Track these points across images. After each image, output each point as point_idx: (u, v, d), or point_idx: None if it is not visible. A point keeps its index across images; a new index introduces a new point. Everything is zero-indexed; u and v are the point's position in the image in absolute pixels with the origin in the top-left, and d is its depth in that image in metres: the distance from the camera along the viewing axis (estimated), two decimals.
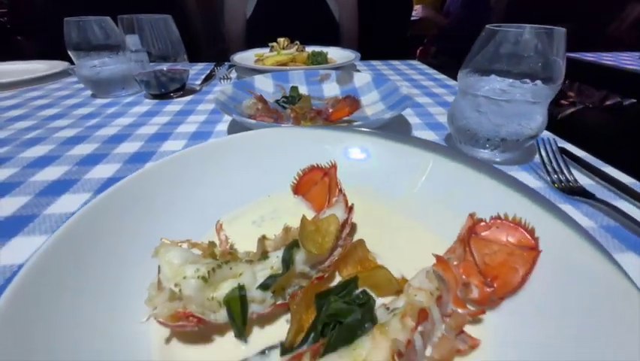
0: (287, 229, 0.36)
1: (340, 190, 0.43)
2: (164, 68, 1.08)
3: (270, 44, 1.29)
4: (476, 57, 0.65)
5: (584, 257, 0.30)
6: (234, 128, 0.81)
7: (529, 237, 0.33)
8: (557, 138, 0.77)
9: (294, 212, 0.43)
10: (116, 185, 0.39)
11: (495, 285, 0.31)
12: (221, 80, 1.25)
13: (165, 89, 1.09)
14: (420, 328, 0.25)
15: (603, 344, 0.25)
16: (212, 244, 0.34)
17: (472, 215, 0.37)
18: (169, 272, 0.29)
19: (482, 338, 0.29)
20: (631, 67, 1.36)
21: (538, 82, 0.62)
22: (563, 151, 0.68)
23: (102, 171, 0.66)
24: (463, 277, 0.32)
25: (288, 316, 0.32)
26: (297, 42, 1.28)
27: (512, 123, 0.63)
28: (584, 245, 0.30)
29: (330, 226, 0.38)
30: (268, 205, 0.48)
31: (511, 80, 0.64)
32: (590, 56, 1.52)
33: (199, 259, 0.32)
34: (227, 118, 0.89)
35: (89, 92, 1.14)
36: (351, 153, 0.51)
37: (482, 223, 0.36)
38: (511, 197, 0.38)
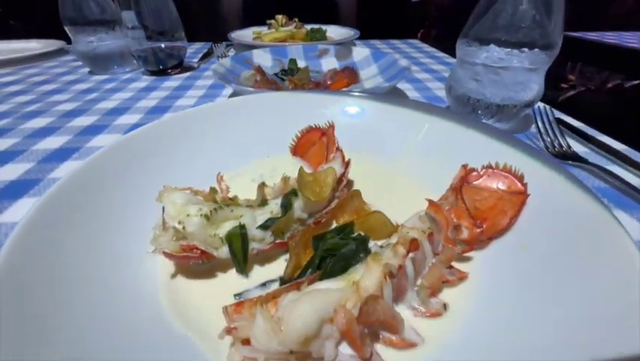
0: (285, 179, 0.38)
1: (338, 148, 0.45)
2: (162, 45, 1.08)
3: (268, 22, 1.28)
4: (474, 26, 0.66)
5: (568, 196, 0.31)
6: None
7: (518, 183, 0.35)
8: (555, 111, 0.78)
9: (293, 171, 0.44)
10: (123, 137, 0.40)
11: (484, 226, 0.33)
12: (219, 58, 1.25)
13: (163, 65, 1.09)
14: (411, 254, 0.27)
15: (583, 270, 0.26)
16: (213, 190, 0.35)
17: (464, 166, 0.38)
18: (173, 211, 0.31)
19: (470, 273, 0.31)
20: (634, 45, 1.35)
21: (536, 50, 0.62)
22: (559, 122, 0.69)
23: (104, 140, 0.67)
24: (454, 220, 0.34)
25: (287, 255, 0.34)
26: (296, 19, 1.28)
27: (510, 92, 0.64)
28: (570, 187, 0.32)
29: (327, 177, 0.39)
30: (267, 165, 0.49)
31: (508, 49, 0.64)
32: (592, 36, 1.52)
33: (201, 202, 0.33)
34: (226, 92, 0.90)
35: (86, 70, 1.14)
36: (349, 116, 0.53)
37: (474, 173, 0.38)
38: (503, 150, 0.39)
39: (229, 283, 0.32)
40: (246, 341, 0.24)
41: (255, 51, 0.94)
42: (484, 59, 0.64)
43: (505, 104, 0.64)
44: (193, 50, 1.38)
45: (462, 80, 0.69)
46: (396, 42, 1.51)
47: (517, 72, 0.63)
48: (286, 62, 0.91)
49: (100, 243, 0.31)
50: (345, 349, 0.24)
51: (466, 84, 0.68)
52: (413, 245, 0.28)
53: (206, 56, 1.26)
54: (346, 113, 0.52)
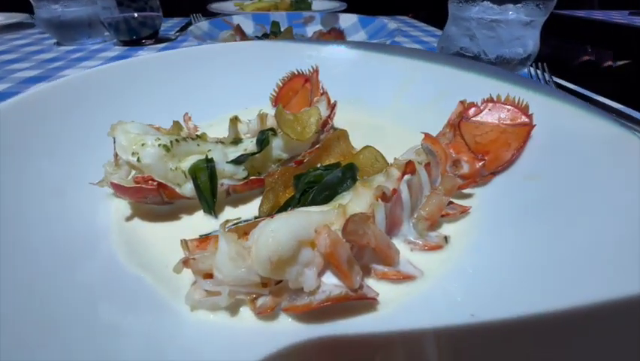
0: (262, 116, 0.33)
1: (323, 92, 0.41)
2: (135, 15, 1.00)
3: None
4: None
5: (579, 124, 0.28)
6: None
7: (522, 114, 0.31)
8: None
9: (273, 122, 0.40)
10: (82, 73, 0.35)
11: (486, 158, 0.29)
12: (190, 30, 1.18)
13: (136, 35, 1.01)
14: (407, 177, 0.23)
15: (605, 195, 0.23)
16: (177, 124, 0.31)
17: (462, 102, 0.35)
18: (125, 141, 0.26)
19: (473, 208, 0.27)
20: (621, 21, 1.36)
21: (530, 3, 0.59)
22: (558, 86, 0.67)
23: None
24: (453, 154, 0.30)
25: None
26: None
27: (504, 48, 0.61)
28: (579, 113, 0.28)
29: (310, 117, 0.35)
30: (245, 116, 0.44)
31: (503, 5, 0.61)
32: (580, 13, 1.52)
33: (160, 134, 0.28)
34: None
35: (52, 41, 1.06)
36: (335, 65, 0.48)
37: (473, 108, 0.34)
38: (502, 86, 0.36)
39: (195, 225, 0.27)
40: (208, 276, 0.19)
41: (235, 16, 0.88)
42: (477, 12, 0.61)
43: (501, 61, 0.61)
44: (171, 24, 1.31)
45: (455, 37, 0.65)
46: (384, 17, 1.46)
47: (512, 26, 0.60)
48: (268, 28, 0.85)
49: (41, 180, 0.26)
50: (328, 278, 0.19)
51: (459, 42, 0.65)
52: (409, 167, 0.24)
53: (185, 28, 1.19)
54: (332, 61, 0.48)
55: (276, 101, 0.47)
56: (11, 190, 0.24)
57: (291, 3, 1.14)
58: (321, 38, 0.74)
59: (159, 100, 0.41)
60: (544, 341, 0.15)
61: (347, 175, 0.25)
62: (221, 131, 0.41)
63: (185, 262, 0.19)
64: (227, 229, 0.20)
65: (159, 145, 0.26)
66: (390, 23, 0.78)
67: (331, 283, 0.19)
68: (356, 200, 0.22)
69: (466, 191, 0.29)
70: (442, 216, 0.26)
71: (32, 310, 0.18)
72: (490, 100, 0.34)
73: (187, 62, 0.45)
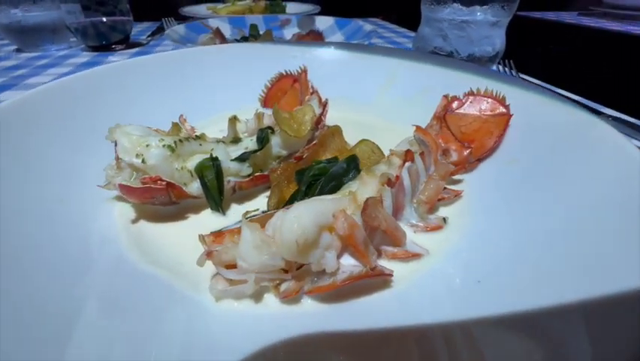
0: (259, 115, 0.34)
1: (313, 91, 0.42)
2: (103, 19, 0.97)
3: None
4: None
5: (549, 111, 0.31)
6: None
7: (500, 105, 0.35)
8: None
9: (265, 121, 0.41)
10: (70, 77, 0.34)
11: (472, 146, 0.32)
12: (167, 34, 1.16)
13: (106, 40, 0.98)
14: (407, 164, 0.25)
15: (577, 172, 0.26)
16: (176, 125, 0.31)
17: (445, 96, 0.37)
18: (128, 143, 0.26)
19: (464, 191, 0.30)
20: (571, 21, 1.49)
21: (496, 4, 0.64)
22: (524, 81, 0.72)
23: None
24: (442, 144, 0.33)
25: (268, 193, 0.30)
26: None
27: (474, 46, 0.66)
28: (549, 102, 0.32)
29: (305, 115, 0.36)
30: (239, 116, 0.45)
31: (469, 7, 0.65)
32: (536, 15, 1.64)
33: (161, 135, 0.29)
34: None
35: (11, 47, 1.00)
36: (320, 65, 0.50)
37: (456, 101, 0.37)
38: (479, 80, 0.39)
39: (203, 223, 0.27)
40: (231, 267, 0.20)
41: (211, 20, 0.88)
42: (449, 14, 0.65)
43: (472, 59, 0.66)
44: (141, 29, 1.27)
45: (428, 37, 0.69)
46: (357, 20, 1.50)
47: (480, 27, 0.64)
48: (246, 31, 0.86)
49: (40, 187, 0.25)
50: (346, 260, 0.21)
51: (433, 42, 0.69)
52: (408, 155, 0.26)
53: (157, 32, 1.16)
54: (317, 61, 0.50)
55: (266, 101, 0.48)
56: (12, 198, 0.24)
57: (266, 6, 1.15)
58: (299, 40, 0.75)
59: (148, 103, 0.41)
60: (539, 295, 0.17)
61: (351, 166, 0.26)
62: (215, 131, 0.42)
63: (208, 255, 0.20)
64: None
65: (163, 146, 0.26)
66: (366, 25, 0.81)
67: (349, 263, 0.21)
68: (363, 187, 0.23)
69: (457, 177, 0.32)
70: (439, 200, 0.28)
71: (50, 316, 0.18)
72: (472, 93, 0.37)
73: (175, 65, 0.45)
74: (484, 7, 0.63)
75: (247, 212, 0.21)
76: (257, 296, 0.20)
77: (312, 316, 0.20)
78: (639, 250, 0.16)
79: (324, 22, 0.92)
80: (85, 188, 0.28)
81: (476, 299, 0.19)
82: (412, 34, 1.25)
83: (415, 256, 0.23)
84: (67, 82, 0.33)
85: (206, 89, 0.46)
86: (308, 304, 0.20)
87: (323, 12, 1.28)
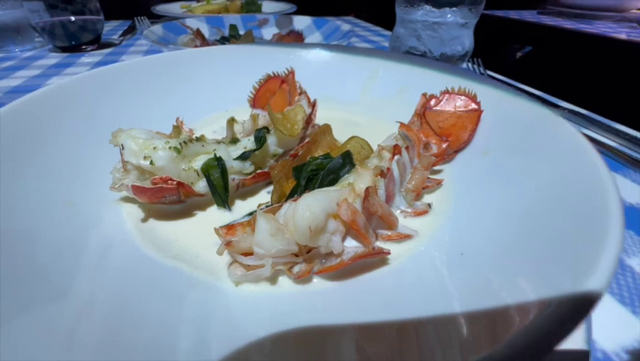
0: (254, 116, 0.37)
1: (301, 91, 0.45)
2: (72, 18, 0.94)
3: None
4: None
5: (514, 107, 0.36)
6: None
7: (472, 102, 0.39)
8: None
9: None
10: (62, 81, 0.35)
11: (449, 140, 0.36)
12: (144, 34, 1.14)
13: (76, 40, 0.95)
14: (396, 157, 0.29)
15: (539, 159, 0.30)
16: (177, 128, 0.32)
17: (424, 94, 0.41)
18: (135, 146, 0.28)
19: (444, 180, 0.34)
20: (531, 20, 1.60)
21: (465, 7, 0.69)
22: (490, 78, 0.79)
23: None
24: (423, 138, 0.36)
25: (269, 188, 0.33)
26: None
27: (446, 46, 0.71)
28: (514, 99, 0.37)
29: (297, 115, 0.39)
30: (226, 118, 0.47)
31: (442, 9, 0.70)
32: (499, 13, 1.75)
33: (164, 138, 0.30)
34: None
35: None
36: (305, 66, 0.52)
37: (433, 99, 0.41)
38: (453, 79, 0.43)
39: (210, 218, 0.30)
40: (246, 254, 0.23)
41: (189, 20, 0.88)
42: (422, 15, 0.69)
43: (444, 58, 0.71)
44: (111, 28, 1.24)
45: (403, 38, 0.74)
46: (331, 18, 1.54)
47: (450, 28, 0.69)
48: (225, 31, 0.86)
49: (46, 192, 0.26)
50: (349, 242, 0.24)
51: (408, 42, 0.73)
52: (397, 149, 0.29)
53: (128, 31, 1.13)
54: (303, 62, 0.52)
55: (254, 101, 0.50)
56: (22, 205, 0.25)
57: (242, 5, 1.15)
58: (280, 41, 0.77)
59: (139, 105, 0.42)
60: (508, 261, 0.21)
61: (346, 161, 0.29)
62: (208, 132, 0.44)
63: (227, 244, 0.22)
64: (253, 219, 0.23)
65: (170, 148, 0.28)
66: (344, 25, 0.84)
67: (352, 245, 0.24)
68: (359, 179, 0.26)
69: (437, 168, 0.36)
70: (423, 188, 0.31)
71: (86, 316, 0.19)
72: (447, 92, 0.41)
73: (165, 68, 0.46)
74: (454, 9, 0.68)
75: (261, 204, 0.23)
76: (272, 279, 0.23)
77: (322, 293, 0.22)
78: (587, 218, 0.20)
79: (301, 22, 0.95)
80: (90, 190, 0.29)
81: (460, 268, 0.22)
82: (385, 32, 1.30)
83: (407, 237, 0.26)
84: (61, 86, 0.34)
85: (196, 91, 0.47)
86: (318, 282, 0.23)
87: (296, 10, 1.30)
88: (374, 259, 0.24)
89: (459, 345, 0.17)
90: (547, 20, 1.59)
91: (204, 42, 0.72)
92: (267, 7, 1.26)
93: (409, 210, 0.29)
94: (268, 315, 0.21)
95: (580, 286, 0.15)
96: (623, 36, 1.38)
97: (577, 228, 0.20)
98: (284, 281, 0.23)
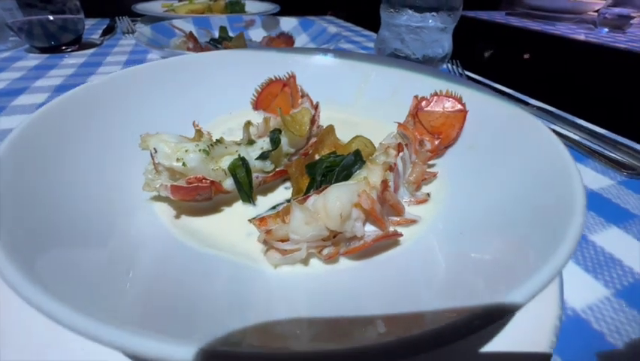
0: (267, 120, 0.40)
1: (303, 94, 0.48)
2: (50, 17, 0.92)
3: None
4: None
5: (494, 107, 0.42)
6: None
7: (458, 103, 0.44)
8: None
9: (258, 121, 0.46)
10: (70, 92, 0.36)
11: (441, 137, 0.41)
12: (125, 34, 1.13)
13: (56, 41, 0.93)
14: (400, 154, 0.33)
15: (516, 154, 0.36)
16: (199, 132, 0.35)
17: (416, 97, 0.46)
18: (168, 149, 0.31)
19: (439, 173, 0.39)
20: (500, 21, 1.71)
21: (443, 12, 0.75)
22: (468, 78, 0.86)
23: (7, 122, 0.57)
24: (418, 136, 0.41)
25: (287, 184, 0.37)
26: None
27: (427, 49, 0.77)
28: (493, 100, 0.42)
29: (304, 117, 0.43)
30: (232, 121, 0.50)
31: (423, 14, 0.76)
32: (470, 14, 1.86)
33: (192, 141, 0.33)
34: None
35: None
36: (304, 70, 0.56)
37: (424, 101, 0.46)
38: (440, 83, 0.48)
39: (237, 213, 0.33)
40: (282, 240, 0.27)
41: (175, 21, 0.88)
42: (406, 20, 0.75)
43: (426, 59, 0.77)
44: (88, 26, 1.21)
45: (388, 40, 0.79)
46: (313, 18, 1.57)
47: (432, 32, 0.75)
48: (214, 32, 0.88)
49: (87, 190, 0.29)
50: (368, 227, 0.28)
51: (393, 44, 0.78)
52: (400, 147, 0.34)
53: (108, 31, 1.12)
54: (301, 66, 0.56)
55: (257, 104, 0.53)
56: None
57: (226, 5, 1.16)
58: (271, 44, 0.80)
59: (147, 110, 0.44)
60: (498, 236, 0.26)
61: (357, 158, 0.34)
62: (218, 134, 0.46)
63: (267, 233, 0.26)
64: (283, 211, 0.27)
65: (199, 150, 0.31)
66: (330, 27, 0.89)
67: (371, 230, 0.28)
68: (371, 174, 0.31)
69: (431, 162, 0.41)
70: (422, 180, 0.36)
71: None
72: (436, 94, 0.46)
73: (168, 73, 0.48)
74: (434, 15, 0.74)
75: (293, 197, 0.27)
76: (305, 261, 0.27)
77: (348, 271, 0.27)
78: (557, 197, 0.26)
79: (288, 24, 0.98)
80: (121, 191, 0.32)
81: (460, 244, 0.27)
82: (365, 32, 1.36)
83: (413, 221, 0.31)
84: (87, 89, 0.36)
85: (202, 95, 0.50)
86: (344, 262, 0.27)
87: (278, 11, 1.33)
88: (388, 241, 0.29)
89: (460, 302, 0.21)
90: (515, 21, 1.71)
91: (196, 44, 0.74)
92: (250, 6, 1.28)
93: (412, 199, 0.34)
94: (304, 291, 0.25)
95: (555, 249, 0.21)
96: (581, 37, 1.51)
97: (549, 204, 0.25)
98: (315, 262, 0.27)
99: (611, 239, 0.39)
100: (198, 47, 0.73)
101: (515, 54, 1.50)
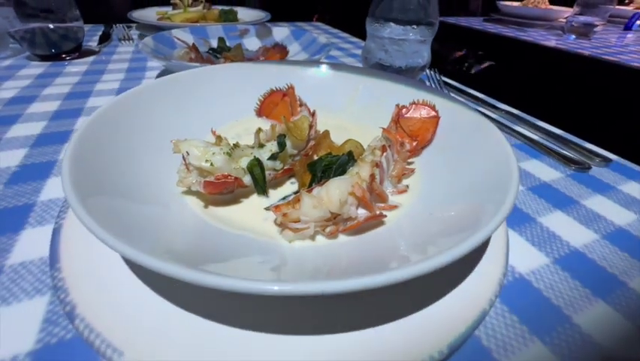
0: (273, 126, 0.49)
1: (301, 104, 0.57)
2: (50, 26, 0.97)
3: (172, 1, 1.26)
4: (377, 8, 0.85)
5: (461, 115, 0.52)
6: None
7: (432, 110, 0.54)
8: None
9: (264, 127, 0.54)
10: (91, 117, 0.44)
11: (418, 140, 0.51)
12: (122, 41, 1.18)
13: (57, 49, 0.99)
14: (385, 154, 0.42)
15: (475, 154, 0.46)
16: (220, 137, 0.43)
17: (397, 105, 0.56)
18: (198, 152, 0.39)
19: (416, 169, 0.48)
20: (477, 27, 1.85)
21: (422, 26, 0.85)
22: (445, 84, 0.96)
23: (25, 129, 0.63)
24: (399, 139, 0.51)
25: (292, 180, 0.45)
26: None
27: (409, 59, 0.86)
28: (462, 109, 0.52)
29: (303, 123, 0.51)
30: (240, 126, 0.58)
31: (404, 27, 0.86)
32: (451, 20, 1.99)
33: (215, 146, 0.41)
34: (150, 73, 0.90)
35: None
36: (301, 80, 0.64)
37: (405, 109, 0.55)
38: (418, 92, 0.58)
39: (253, 204, 0.42)
40: (295, 221, 0.35)
41: (174, 31, 0.95)
42: (389, 33, 0.84)
43: (408, 68, 0.87)
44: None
45: (374, 51, 0.89)
46: (302, 24, 1.66)
47: (412, 44, 0.85)
48: (211, 42, 0.95)
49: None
50: (360, 211, 0.37)
51: (378, 54, 0.88)
52: (384, 148, 0.43)
53: (105, 39, 1.17)
54: (299, 78, 0.64)
55: (260, 112, 0.61)
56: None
57: (219, 14, 1.23)
58: (267, 54, 0.89)
59: (168, 119, 0.52)
60: (462, 216, 0.36)
61: (350, 158, 0.42)
62: (229, 139, 0.54)
63: (284, 215, 0.34)
64: (294, 200, 0.35)
65: (224, 153, 0.40)
66: (320, 37, 0.97)
67: (362, 212, 0.37)
68: (361, 170, 0.40)
69: (410, 160, 0.50)
70: (402, 175, 0.46)
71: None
72: (414, 103, 0.56)
73: (182, 85, 0.56)
74: (414, 28, 0.84)
75: (303, 189, 0.36)
76: (312, 237, 0.36)
77: (346, 243, 0.36)
78: (500, 179, 0.35)
79: (280, 33, 1.06)
80: (159, 187, 0.40)
81: (430, 222, 0.37)
82: (352, 39, 1.45)
83: (394, 207, 0.40)
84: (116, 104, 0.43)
85: (212, 104, 0.58)
86: (342, 238, 0.36)
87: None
88: (376, 221, 0.38)
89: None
90: (491, 28, 1.85)
91: (198, 55, 0.81)
92: (243, 14, 1.35)
93: (394, 190, 0.43)
94: (312, 259, 0.34)
95: (500, 208, 0.30)
96: (552, 43, 1.65)
97: (496, 183, 0.35)
98: (320, 238, 0.36)
99: (555, 220, 0.50)
100: (199, 57, 0.81)
101: (490, 60, 1.63)
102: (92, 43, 1.16)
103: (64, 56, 1.01)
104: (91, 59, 1.02)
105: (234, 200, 0.41)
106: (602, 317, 0.35)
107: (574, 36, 1.73)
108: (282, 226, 0.36)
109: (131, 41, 1.19)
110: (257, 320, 0.29)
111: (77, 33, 1.01)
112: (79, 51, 1.04)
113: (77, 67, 0.95)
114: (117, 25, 1.26)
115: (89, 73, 0.91)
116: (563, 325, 0.34)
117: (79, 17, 1.01)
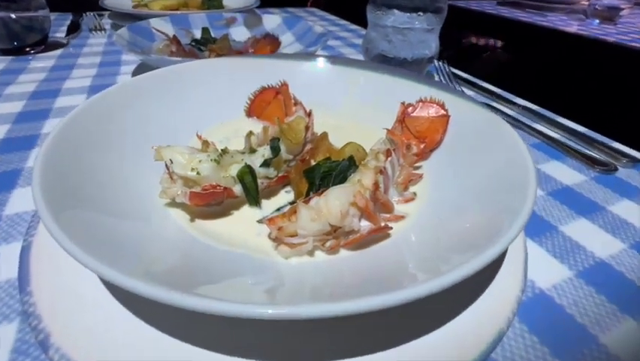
0: (265, 129, 0.49)
1: (296, 102, 0.58)
2: (12, 15, 0.98)
3: None
4: None
5: (472, 113, 0.53)
6: None
7: (441, 108, 0.55)
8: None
9: (255, 129, 0.55)
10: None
11: (426, 141, 0.52)
12: (93, 32, 1.19)
13: (20, 41, 0.99)
14: (389, 159, 0.43)
15: (489, 155, 0.47)
16: (206, 142, 0.44)
17: (402, 103, 0.57)
18: (183, 160, 0.39)
19: (424, 174, 0.49)
20: (490, 11, 1.88)
21: (429, 13, 0.86)
22: (456, 76, 0.98)
23: None
24: (405, 141, 0.52)
25: (287, 188, 0.46)
26: None
27: (414, 49, 0.88)
28: (475, 106, 0.53)
29: (299, 125, 0.52)
30: (228, 128, 0.59)
31: (409, 14, 0.87)
32: (461, 4, 2.02)
33: (201, 152, 0.42)
34: (127, 68, 0.91)
35: None
36: (296, 76, 0.65)
37: (411, 107, 0.56)
38: (427, 89, 0.59)
39: (245, 216, 0.42)
40: (291, 236, 0.36)
41: (152, 20, 0.96)
42: (393, 21, 0.86)
43: (414, 60, 0.88)
44: None
45: (375, 41, 0.90)
46: (296, 10, 1.68)
47: (418, 33, 0.87)
48: (194, 32, 0.96)
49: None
50: (363, 223, 0.38)
51: (380, 45, 0.89)
52: (388, 153, 0.44)
53: (74, 30, 1.18)
54: (293, 73, 0.65)
55: (250, 111, 0.62)
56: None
57: (202, 1, 1.24)
58: (256, 45, 0.90)
59: (144, 121, 0.52)
60: (474, 222, 0.37)
61: (351, 163, 0.43)
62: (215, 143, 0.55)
63: (279, 229, 0.35)
64: (289, 212, 0.36)
65: (211, 160, 0.40)
66: (316, 27, 0.99)
67: (365, 224, 0.38)
68: (364, 177, 0.41)
69: (417, 165, 0.51)
70: (409, 181, 0.47)
71: None
72: (421, 100, 0.57)
73: (159, 85, 0.56)
74: (420, 16, 0.85)
75: (299, 199, 0.36)
76: (310, 253, 0.36)
77: (347, 259, 0.36)
78: (516, 186, 0.36)
79: (271, 22, 1.07)
80: (139, 199, 0.40)
81: (440, 234, 0.38)
82: (353, 26, 1.47)
83: (401, 217, 0.41)
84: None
85: (195, 104, 0.58)
86: (344, 253, 0.37)
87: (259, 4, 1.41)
88: (381, 234, 0.38)
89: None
90: (506, 12, 1.87)
91: (179, 47, 0.82)
92: (229, 0, 1.36)
93: (400, 198, 0.44)
94: (311, 278, 0.35)
95: (517, 218, 0.31)
96: (573, 29, 1.68)
97: (510, 190, 0.36)
98: (319, 254, 0.37)
99: (579, 229, 0.51)
100: (181, 51, 0.81)
101: (505, 48, 1.65)
102: (60, 34, 1.16)
103: (28, 49, 1.01)
104: (58, 52, 1.03)
105: (224, 212, 0.42)
106: (631, 336, 0.36)
107: (597, 21, 1.76)
108: (277, 240, 0.37)
109: (103, 32, 1.20)
110: (252, 346, 0.29)
111: (43, 23, 1.01)
112: (45, 44, 1.04)
113: (43, 62, 0.95)
114: (87, 13, 1.26)
115: (57, 68, 0.91)
116: (589, 346, 0.35)
117: (44, 5, 1.02)
